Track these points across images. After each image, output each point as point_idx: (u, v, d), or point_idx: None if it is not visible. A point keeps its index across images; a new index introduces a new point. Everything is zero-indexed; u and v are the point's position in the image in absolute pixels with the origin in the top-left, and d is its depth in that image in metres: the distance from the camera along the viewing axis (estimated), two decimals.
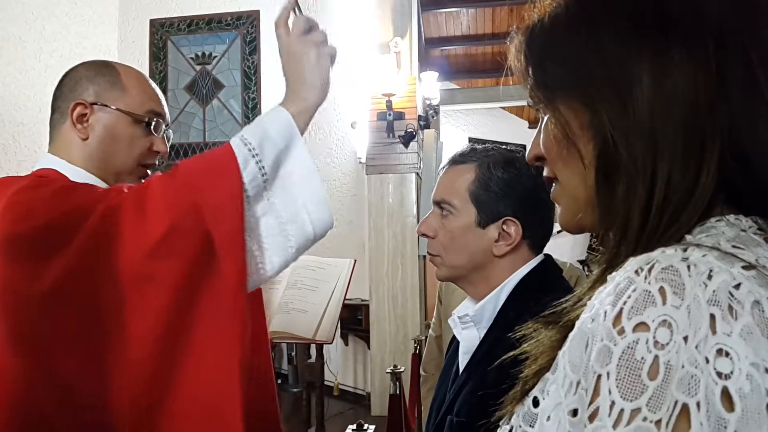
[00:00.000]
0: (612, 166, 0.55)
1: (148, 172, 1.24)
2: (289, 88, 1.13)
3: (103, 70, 1.22)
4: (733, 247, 0.48)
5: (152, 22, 6.91)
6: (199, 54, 6.92)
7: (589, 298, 0.52)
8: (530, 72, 0.61)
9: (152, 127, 1.21)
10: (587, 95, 0.56)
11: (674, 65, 0.53)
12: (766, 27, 0.54)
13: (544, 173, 0.65)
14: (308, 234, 1.04)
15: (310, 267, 1.53)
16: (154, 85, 1.27)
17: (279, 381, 7.11)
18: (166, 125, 1.26)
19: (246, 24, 6.88)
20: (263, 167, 1.02)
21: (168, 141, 1.27)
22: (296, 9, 1.12)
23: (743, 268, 0.45)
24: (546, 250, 1.23)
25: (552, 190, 0.64)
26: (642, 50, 0.54)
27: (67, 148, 1.19)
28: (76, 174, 1.16)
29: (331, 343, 1.48)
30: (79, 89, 1.20)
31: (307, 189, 1.04)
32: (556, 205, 0.65)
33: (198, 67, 6.90)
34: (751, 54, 0.53)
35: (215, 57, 6.90)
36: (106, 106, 1.18)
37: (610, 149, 0.54)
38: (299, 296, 1.47)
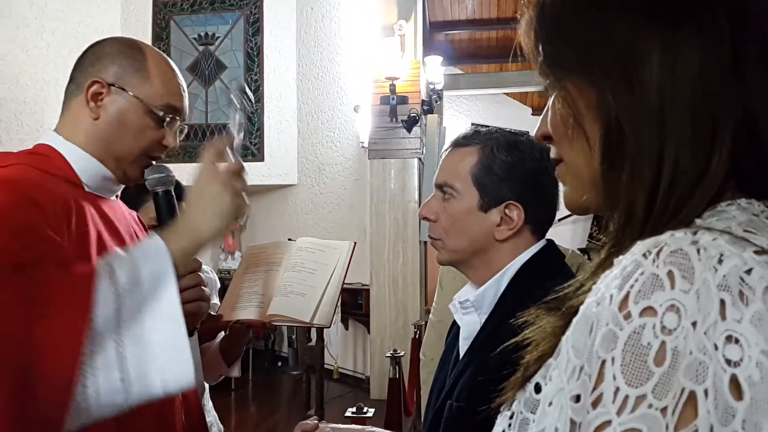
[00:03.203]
0: (617, 148, 0.53)
1: (153, 162, 1.20)
2: (184, 215, 1.06)
3: (130, 51, 1.17)
4: (745, 231, 0.47)
5: (155, 1, 6.86)
6: (202, 34, 6.88)
7: (593, 283, 0.51)
8: (539, 49, 0.60)
9: (165, 123, 1.17)
10: (594, 74, 0.55)
11: (686, 45, 0.51)
12: None
13: (551, 153, 0.63)
14: (153, 395, 0.93)
15: (309, 249, 1.51)
16: (180, 78, 1.22)
17: (279, 363, 7.17)
18: (182, 120, 1.21)
19: (249, 5, 6.84)
20: (120, 309, 0.91)
21: (181, 134, 1.23)
22: (231, 146, 1.09)
23: (755, 252, 0.44)
24: (549, 238, 1.21)
25: (557, 169, 0.63)
26: (653, 29, 0.52)
27: (74, 124, 1.16)
28: (75, 154, 1.13)
29: (329, 327, 1.46)
30: (99, 65, 1.15)
31: (168, 351, 0.93)
32: (561, 186, 0.64)
33: (201, 48, 6.87)
34: (767, 35, 0.51)
35: (218, 38, 6.87)
36: (124, 90, 1.14)
37: (616, 131, 0.53)
38: (298, 279, 1.45)
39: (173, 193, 1.23)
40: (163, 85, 1.17)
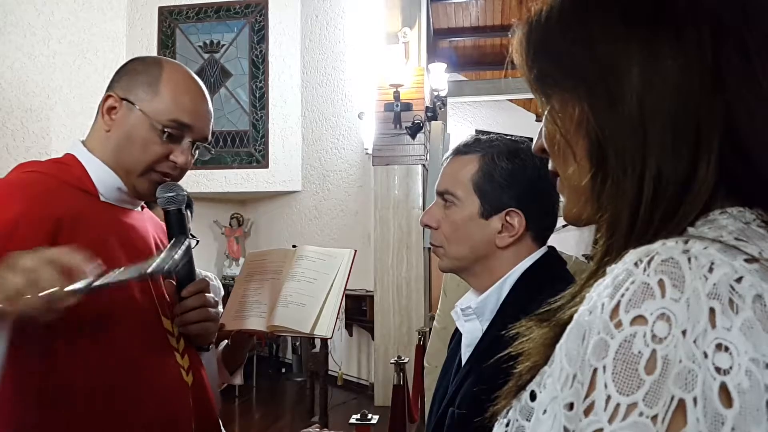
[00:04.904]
0: (600, 162, 0.54)
1: (166, 179, 1.20)
2: None
3: (149, 68, 1.19)
4: (736, 239, 0.47)
5: (161, 9, 6.90)
6: (207, 42, 6.92)
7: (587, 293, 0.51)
8: (528, 66, 0.61)
9: (166, 136, 1.16)
10: (577, 91, 0.55)
11: (666, 56, 0.51)
12: (763, 15, 0.52)
13: (549, 166, 0.64)
14: None
15: (309, 258, 1.50)
16: (197, 95, 1.22)
17: (283, 370, 7.16)
18: (198, 139, 1.21)
19: (254, 12, 6.87)
20: None
21: (197, 150, 1.24)
22: None
23: (746, 261, 0.44)
24: (551, 245, 1.21)
25: (557, 181, 0.63)
26: (632, 42, 0.52)
27: (94, 135, 1.20)
28: (92, 164, 1.17)
29: (330, 338, 1.44)
30: (120, 81, 1.19)
31: None
32: (561, 197, 0.64)
33: (206, 56, 6.90)
34: (749, 43, 0.51)
35: (223, 45, 6.90)
36: (133, 104, 1.17)
37: (597, 146, 0.54)
38: (298, 289, 1.44)
39: (184, 212, 1.25)
40: (172, 100, 1.17)
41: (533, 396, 0.53)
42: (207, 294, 1.24)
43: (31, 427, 0.95)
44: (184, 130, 1.18)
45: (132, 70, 1.20)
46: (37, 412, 0.98)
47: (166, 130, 1.16)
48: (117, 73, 1.22)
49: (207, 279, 1.50)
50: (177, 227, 1.24)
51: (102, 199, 1.17)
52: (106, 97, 1.18)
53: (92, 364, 1.05)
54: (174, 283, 1.23)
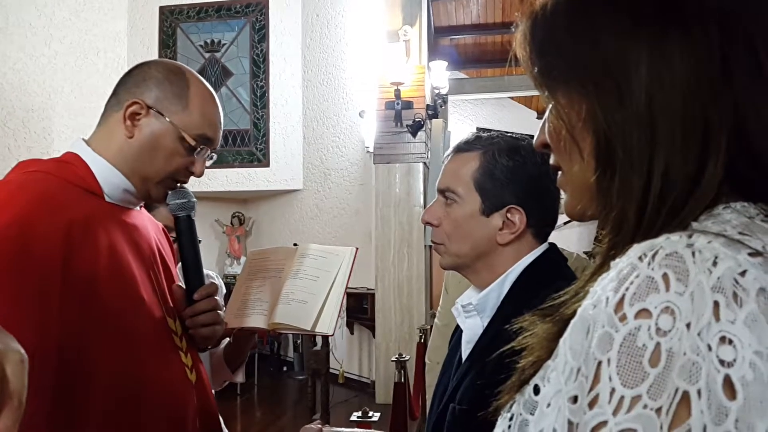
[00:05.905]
0: (608, 159, 0.54)
1: (178, 186, 1.23)
2: None
3: (174, 78, 1.19)
4: (740, 234, 0.47)
5: (162, 9, 6.90)
6: (208, 41, 6.92)
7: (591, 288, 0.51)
8: (532, 62, 0.60)
9: (196, 152, 1.19)
10: (584, 87, 0.55)
11: (674, 53, 0.51)
12: None
13: (551, 161, 0.64)
14: None
15: (311, 255, 1.50)
16: (218, 109, 1.24)
17: (285, 368, 7.17)
18: (214, 149, 1.24)
19: (255, 12, 6.87)
20: None
21: (210, 160, 1.26)
22: None
23: (749, 254, 0.44)
24: (552, 242, 1.22)
25: (558, 177, 0.63)
26: (640, 39, 0.52)
27: (108, 138, 1.18)
28: (101, 167, 1.16)
29: (332, 335, 1.45)
30: (144, 87, 1.18)
31: None
32: (562, 193, 0.64)
33: (207, 55, 6.91)
34: (756, 39, 0.51)
35: (224, 44, 6.90)
36: (162, 114, 1.16)
37: (606, 142, 0.54)
38: (300, 286, 1.44)
39: (193, 218, 1.26)
40: (200, 115, 1.19)
41: (537, 390, 0.54)
42: (216, 297, 1.25)
43: (40, 424, 0.95)
44: (207, 143, 1.21)
45: (155, 77, 1.19)
46: (45, 409, 0.98)
47: (194, 144, 1.18)
48: (132, 76, 1.21)
49: (209, 278, 1.50)
50: (187, 233, 1.25)
51: (107, 199, 1.16)
52: (131, 103, 1.16)
53: (101, 362, 1.06)
54: (183, 286, 1.24)
